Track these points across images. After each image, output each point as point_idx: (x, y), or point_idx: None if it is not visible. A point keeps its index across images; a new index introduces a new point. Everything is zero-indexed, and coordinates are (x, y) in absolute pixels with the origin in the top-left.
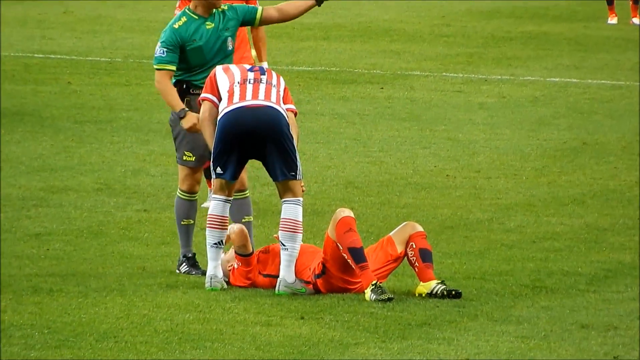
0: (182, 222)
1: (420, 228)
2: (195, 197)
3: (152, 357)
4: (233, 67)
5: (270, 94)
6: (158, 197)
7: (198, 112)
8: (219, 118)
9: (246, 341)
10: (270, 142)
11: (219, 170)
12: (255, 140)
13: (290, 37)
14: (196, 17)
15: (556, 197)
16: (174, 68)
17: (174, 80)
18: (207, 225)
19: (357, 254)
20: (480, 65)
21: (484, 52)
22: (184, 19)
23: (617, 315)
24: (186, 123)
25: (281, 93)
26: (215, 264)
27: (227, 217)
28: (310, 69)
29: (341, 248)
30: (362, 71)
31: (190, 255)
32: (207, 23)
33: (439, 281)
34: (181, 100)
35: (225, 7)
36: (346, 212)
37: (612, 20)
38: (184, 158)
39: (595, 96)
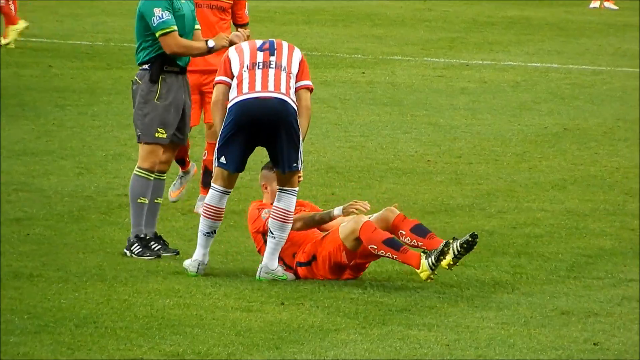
0: (137, 200)
1: (396, 211)
2: (153, 175)
3: (132, 342)
4: (244, 45)
5: (279, 81)
6: None
7: (174, 88)
8: (228, 107)
9: (226, 327)
10: (276, 133)
11: (222, 159)
12: (262, 131)
13: (272, 21)
14: None
15: (537, 183)
16: (177, 28)
17: (149, 57)
18: (202, 214)
19: (394, 243)
20: (461, 50)
21: (466, 36)
22: None
23: (597, 302)
24: (223, 41)
25: (293, 73)
26: (205, 252)
27: (223, 208)
28: None
29: (375, 247)
30: (343, 55)
31: (142, 235)
32: None
33: (450, 241)
34: (156, 78)
35: None
36: (365, 218)
37: (594, 3)
38: (157, 135)
39: (577, 81)
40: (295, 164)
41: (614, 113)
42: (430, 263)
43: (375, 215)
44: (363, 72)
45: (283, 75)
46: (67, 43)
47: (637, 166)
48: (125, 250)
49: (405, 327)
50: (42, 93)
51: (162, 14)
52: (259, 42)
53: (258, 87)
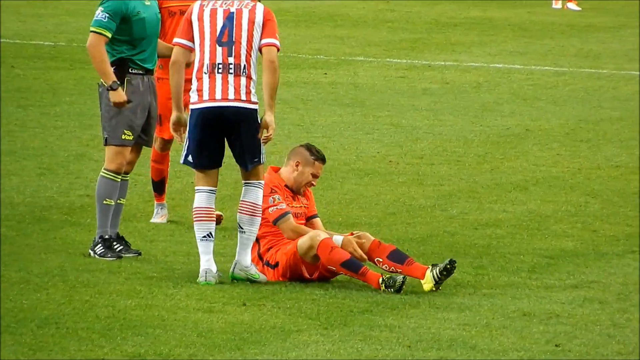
0: (103, 202)
1: (371, 237)
2: (119, 177)
3: (94, 343)
4: (206, 15)
5: (239, 87)
6: None
7: (140, 90)
8: (190, 108)
9: (188, 327)
10: (237, 132)
11: (190, 159)
12: (223, 130)
13: None
14: None
15: (499, 184)
16: (110, 35)
17: (114, 58)
18: (194, 219)
19: (352, 265)
20: (424, 50)
21: (428, 37)
22: None
23: (559, 303)
24: (116, 97)
25: (253, 60)
26: (208, 258)
27: (212, 207)
28: None
29: (334, 268)
30: (305, 56)
31: (107, 236)
32: (145, 0)
33: (430, 268)
34: (121, 80)
35: None
36: (322, 235)
37: (557, 4)
38: (123, 137)
39: (539, 82)
40: (256, 159)
41: (576, 114)
42: (387, 290)
43: (346, 237)
44: (325, 73)
45: (242, 80)
46: (29, 43)
47: (599, 167)
48: (89, 250)
49: (367, 328)
50: (5, 93)
51: (101, 14)
52: (219, 23)
53: (218, 95)
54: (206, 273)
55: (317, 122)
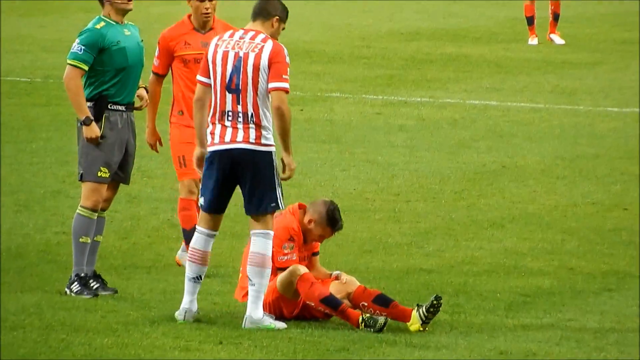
0: (80, 240)
1: (357, 282)
2: (96, 214)
3: None
4: (218, 64)
5: (248, 132)
6: None
7: (118, 127)
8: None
9: None
10: (245, 175)
11: (201, 201)
12: (234, 174)
13: None
14: (113, 23)
15: (475, 221)
16: (86, 68)
17: (92, 94)
18: (188, 258)
19: (331, 302)
20: (400, 87)
21: (404, 74)
22: (102, 23)
23: (535, 342)
24: (89, 132)
25: (261, 106)
26: (191, 298)
27: (208, 251)
28: None
29: (313, 304)
30: None
31: (82, 274)
32: (124, 30)
33: (415, 308)
34: (99, 116)
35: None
36: (302, 270)
37: (533, 40)
38: (99, 174)
39: (515, 119)
40: (265, 205)
41: (553, 151)
42: (368, 330)
43: (332, 282)
44: (301, 109)
45: (251, 128)
46: (5, 79)
47: (576, 204)
48: (65, 288)
49: None
50: None
51: (78, 47)
52: (228, 69)
53: (227, 138)
54: (185, 312)
55: (294, 159)
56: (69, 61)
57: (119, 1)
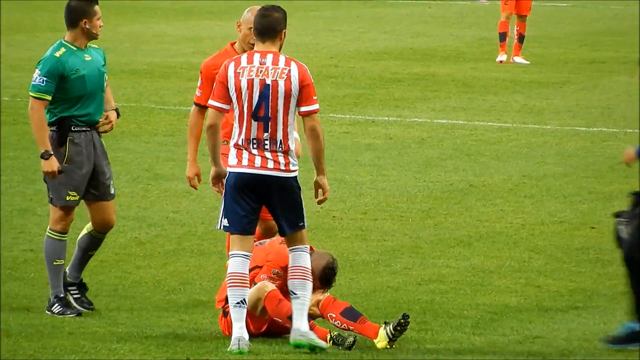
0: (54, 263)
1: (326, 293)
2: (66, 237)
3: None
4: (244, 93)
5: (277, 159)
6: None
7: (79, 149)
8: (228, 171)
9: None
10: (275, 201)
11: (226, 222)
12: (261, 199)
13: (178, 77)
14: (74, 49)
15: (442, 239)
16: (49, 98)
17: (55, 118)
18: (228, 285)
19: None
20: (367, 106)
21: (372, 93)
22: (63, 49)
23: (502, 359)
24: (47, 167)
25: (289, 130)
26: (241, 325)
27: (246, 274)
28: None
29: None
30: None
31: (62, 295)
32: (85, 55)
33: (383, 326)
34: (63, 141)
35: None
36: (270, 287)
37: (502, 57)
38: (68, 198)
39: (482, 138)
40: (296, 225)
41: (520, 170)
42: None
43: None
44: None
45: (280, 154)
46: None
47: (543, 223)
48: (46, 311)
49: None
50: None
51: (40, 79)
52: (255, 97)
53: (257, 164)
54: (239, 341)
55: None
56: (31, 94)
57: (94, 31)
